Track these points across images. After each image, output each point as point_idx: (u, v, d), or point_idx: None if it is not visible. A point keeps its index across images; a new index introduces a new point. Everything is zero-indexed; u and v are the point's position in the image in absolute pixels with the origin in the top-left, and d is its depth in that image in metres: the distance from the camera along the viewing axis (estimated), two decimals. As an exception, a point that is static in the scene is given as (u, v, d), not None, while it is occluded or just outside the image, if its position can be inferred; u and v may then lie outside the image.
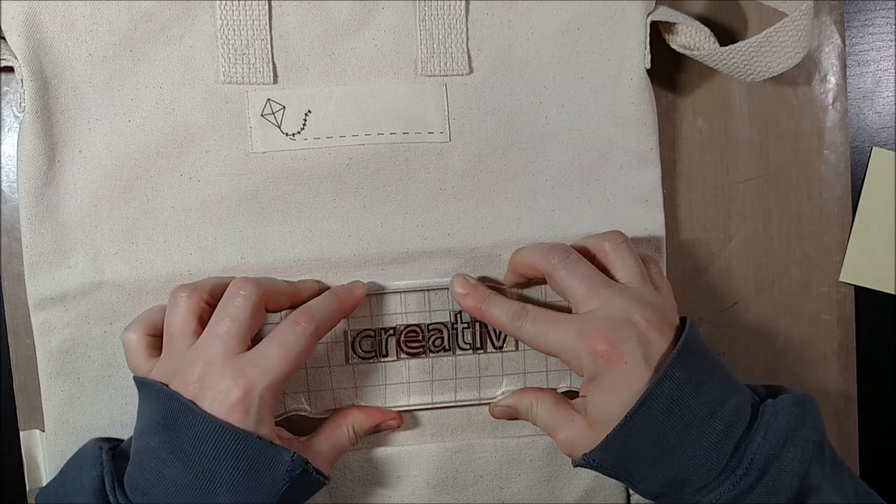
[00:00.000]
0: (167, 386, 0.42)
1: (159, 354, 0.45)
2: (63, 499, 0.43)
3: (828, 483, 0.43)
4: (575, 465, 0.45)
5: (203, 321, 0.44)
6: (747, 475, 0.41)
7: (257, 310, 0.44)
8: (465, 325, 0.51)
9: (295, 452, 0.42)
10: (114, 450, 0.44)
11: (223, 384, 0.41)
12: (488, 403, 0.51)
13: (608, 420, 0.43)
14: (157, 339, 0.45)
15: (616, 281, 0.45)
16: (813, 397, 0.44)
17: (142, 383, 0.43)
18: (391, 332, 0.51)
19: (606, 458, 0.43)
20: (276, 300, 0.46)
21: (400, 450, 0.51)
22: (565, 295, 0.45)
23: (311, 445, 0.47)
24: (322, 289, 0.49)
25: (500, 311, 0.46)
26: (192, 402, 0.41)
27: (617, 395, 0.42)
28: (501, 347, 0.51)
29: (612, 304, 0.44)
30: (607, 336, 0.43)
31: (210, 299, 0.45)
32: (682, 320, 0.45)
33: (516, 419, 0.50)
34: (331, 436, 0.48)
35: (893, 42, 0.54)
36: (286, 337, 0.43)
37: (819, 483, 0.42)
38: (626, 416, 0.42)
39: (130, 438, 0.44)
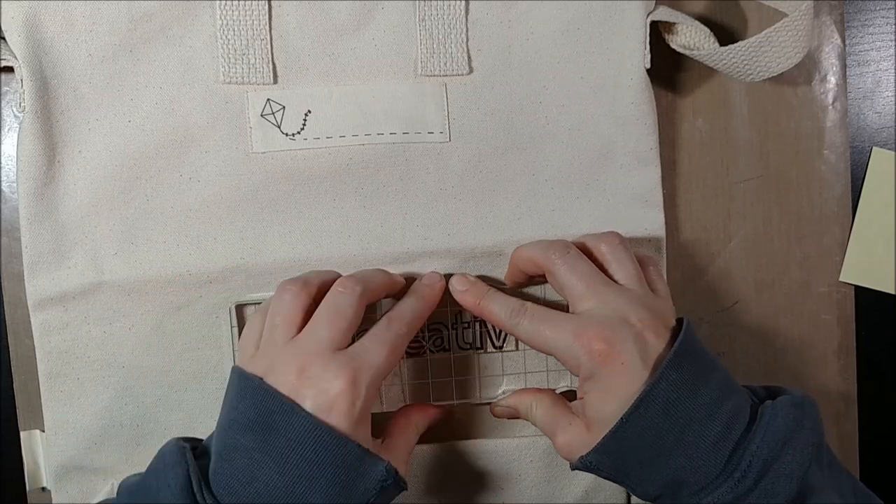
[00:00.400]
0: (263, 380, 0.41)
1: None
2: (147, 498, 0.41)
3: (827, 484, 0.42)
4: (572, 469, 0.44)
5: (308, 316, 0.43)
6: (746, 477, 0.40)
7: (361, 307, 0.44)
8: (465, 325, 0.51)
9: (388, 462, 0.41)
10: (195, 449, 0.43)
11: (327, 376, 0.40)
12: (488, 403, 0.51)
13: (605, 421, 0.42)
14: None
15: (614, 282, 0.45)
16: (812, 398, 0.44)
17: (240, 375, 0.42)
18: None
19: (603, 461, 0.43)
20: (376, 295, 0.46)
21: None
22: (563, 292, 0.45)
23: (389, 448, 0.45)
24: (411, 279, 0.49)
25: (498, 308, 0.46)
26: (291, 399, 0.40)
27: (614, 395, 0.42)
28: (501, 347, 0.51)
29: (610, 304, 0.43)
30: (605, 335, 0.42)
31: (318, 295, 0.44)
32: (680, 322, 0.45)
33: (517, 419, 0.50)
34: (402, 438, 0.47)
35: (893, 42, 0.54)
36: (385, 334, 0.43)
37: (818, 484, 0.42)
38: (621, 419, 0.41)
39: (211, 436, 0.43)
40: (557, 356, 0.44)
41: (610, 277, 0.45)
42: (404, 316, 0.45)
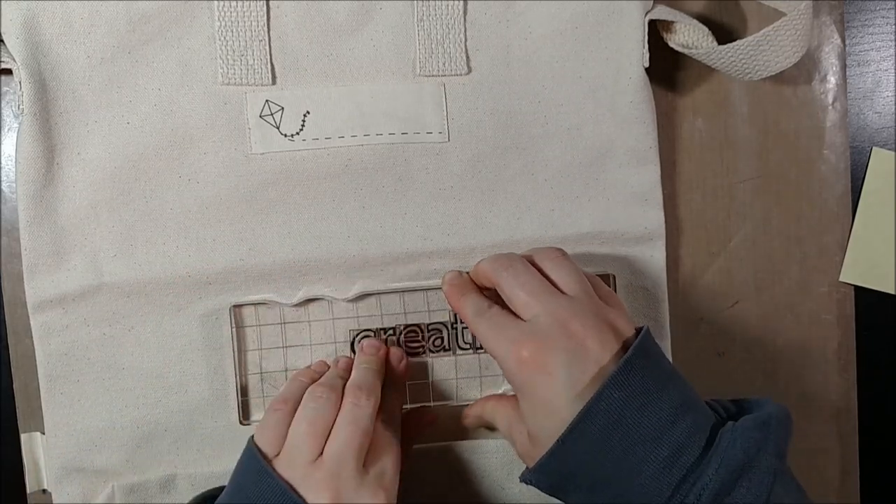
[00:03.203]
0: (297, 492, 0.41)
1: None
2: None
3: (791, 496, 0.39)
4: (520, 481, 0.43)
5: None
6: None
7: (374, 417, 0.44)
8: (465, 325, 0.51)
9: None
10: None
11: (363, 501, 0.41)
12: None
13: (543, 435, 0.41)
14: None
15: (562, 293, 0.43)
16: (783, 411, 0.41)
17: (280, 492, 0.41)
18: (391, 332, 0.51)
19: (542, 481, 0.41)
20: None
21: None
22: (511, 303, 0.44)
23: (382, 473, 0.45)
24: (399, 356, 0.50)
25: (468, 305, 0.45)
26: None
27: (544, 408, 0.40)
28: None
29: (553, 312, 0.42)
30: (535, 345, 0.41)
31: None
32: (638, 332, 0.42)
33: (487, 427, 0.50)
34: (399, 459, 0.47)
35: (893, 42, 0.54)
36: (392, 436, 0.45)
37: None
38: (558, 440, 0.39)
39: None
40: (498, 363, 0.43)
41: (558, 290, 0.44)
42: (396, 410, 0.47)
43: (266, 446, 0.43)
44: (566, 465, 0.40)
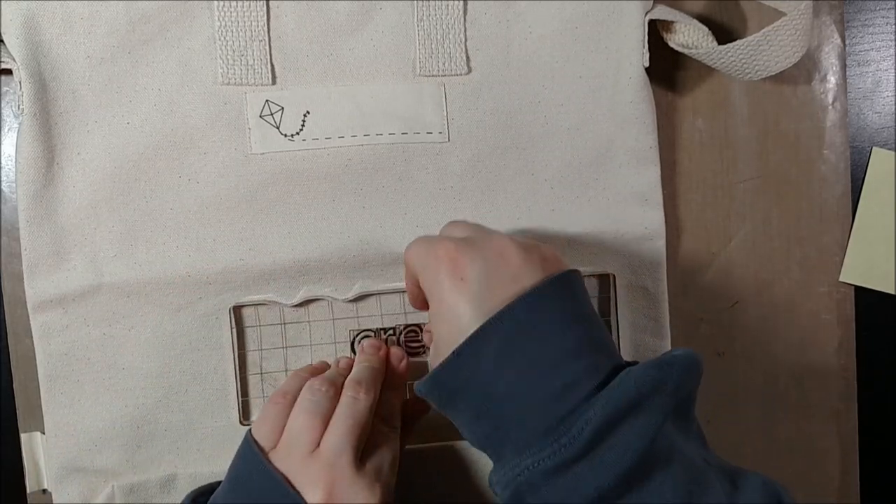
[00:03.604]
0: (291, 485, 0.41)
1: None
2: None
3: (688, 445, 0.38)
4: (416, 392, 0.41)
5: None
6: (572, 444, 0.35)
7: (372, 412, 0.44)
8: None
9: None
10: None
11: (355, 497, 0.41)
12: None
13: (444, 346, 0.39)
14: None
15: None
16: (688, 356, 0.39)
17: (265, 470, 0.41)
18: (391, 332, 0.51)
19: (432, 392, 0.39)
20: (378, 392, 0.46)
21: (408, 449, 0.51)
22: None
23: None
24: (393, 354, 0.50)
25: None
26: None
27: (449, 316, 0.39)
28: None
29: (482, 231, 0.42)
30: (457, 247, 0.39)
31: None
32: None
33: None
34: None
35: (893, 42, 0.54)
36: (389, 432, 0.45)
37: (673, 451, 0.37)
38: (454, 352, 0.37)
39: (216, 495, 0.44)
40: (419, 275, 0.41)
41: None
42: (395, 409, 0.47)
43: (263, 439, 0.43)
44: (457, 379, 0.38)
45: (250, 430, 0.44)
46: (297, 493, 0.40)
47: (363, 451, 0.43)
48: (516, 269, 0.39)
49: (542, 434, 0.36)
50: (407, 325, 0.51)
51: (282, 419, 0.43)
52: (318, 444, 0.42)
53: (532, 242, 0.41)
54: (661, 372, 0.37)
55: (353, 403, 0.43)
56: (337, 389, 0.44)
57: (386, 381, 0.48)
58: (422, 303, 0.44)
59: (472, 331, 0.37)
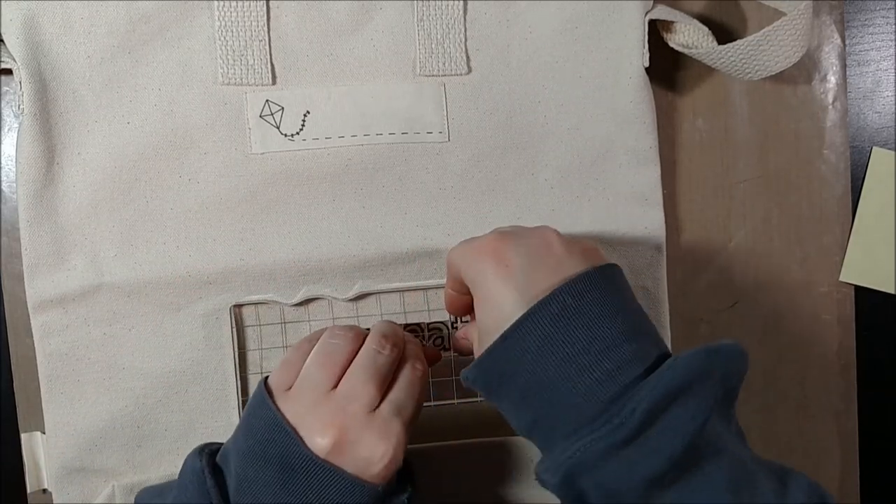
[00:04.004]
0: (296, 432, 0.39)
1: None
2: None
3: (731, 442, 0.38)
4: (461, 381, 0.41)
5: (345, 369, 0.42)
6: (622, 427, 0.35)
7: (394, 369, 0.42)
8: (465, 325, 0.51)
9: (408, 490, 0.41)
10: (213, 459, 0.42)
11: (366, 443, 0.39)
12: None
13: (489, 333, 0.39)
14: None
15: None
16: (734, 346, 0.38)
17: (273, 417, 0.40)
18: (391, 332, 0.51)
19: (479, 379, 0.39)
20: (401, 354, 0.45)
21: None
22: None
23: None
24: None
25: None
26: (320, 459, 0.39)
27: (493, 303, 0.39)
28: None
29: (523, 227, 0.42)
30: (500, 237, 0.40)
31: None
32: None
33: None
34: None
35: (893, 42, 0.54)
36: (413, 376, 0.43)
37: (721, 442, 0.37)
38: (501, 336, 0.37)
39: (227, 448, 0.42)
40: (459, 266, 0.41)
41: None
42: (419, 354, 0.44)
43: (276, 381, 0.42)
44: (505, 363, 0.38)
45: (268, 374, 0.43)
46: (296, 433, 0.39)
47: (380, 402, 0.41)
48: (560, 258, 0.39)
49: (592, 417, 0.36)
50: (407, 325, 0.51)
51: (299, 363, 0.42)
52: (335, 388, 0.41)
53: (576, 238, 0.41)
54: (709, 357, 0.37)
55: (376, 356, 0.42)
56: (359, 339, 0.43)
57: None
58: (458, 307, 0.45)
59: (516, 317, 0.37)
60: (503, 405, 0.40)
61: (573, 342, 0.37)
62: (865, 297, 0.55)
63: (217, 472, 0.41)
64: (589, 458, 0.36)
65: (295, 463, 0.39)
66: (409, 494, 0.41)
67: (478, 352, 0.41)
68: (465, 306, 0.45)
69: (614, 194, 0.51)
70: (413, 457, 0.49)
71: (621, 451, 0.35)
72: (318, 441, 0.39)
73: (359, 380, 0.41)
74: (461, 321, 0.51)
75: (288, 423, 0.40)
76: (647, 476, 0.35)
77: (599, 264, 0.40)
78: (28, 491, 0.50)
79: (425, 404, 0.50)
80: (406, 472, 0.44)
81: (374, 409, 0.40)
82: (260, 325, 0.50)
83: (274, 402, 0.41)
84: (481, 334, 0.40)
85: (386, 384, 0.42)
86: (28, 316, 0.48)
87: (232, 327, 0.49)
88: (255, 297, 0.49)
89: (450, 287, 0.45)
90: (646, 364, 0.37)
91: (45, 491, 0.50)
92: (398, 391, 0.42)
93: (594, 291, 0.38)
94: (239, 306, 0.50)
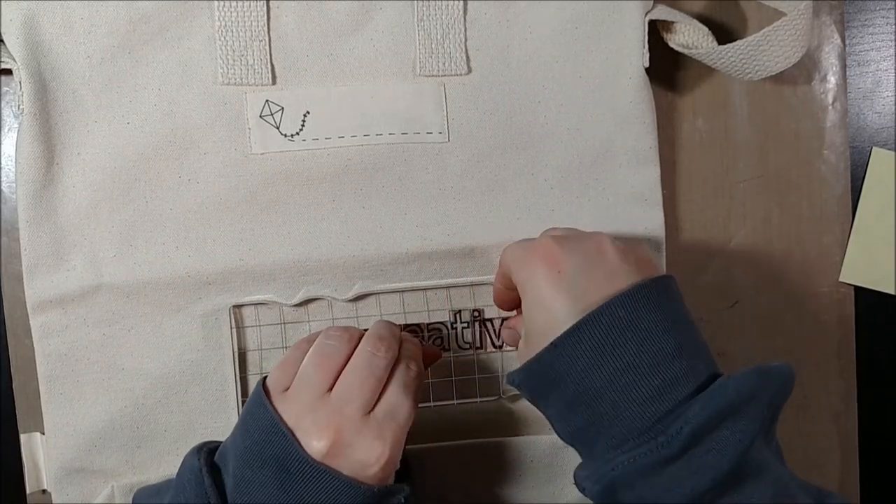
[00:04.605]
0: (292, 432, 0.40)
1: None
2: None
3: (773, 464, 0.38)
4: (507, 383, 0.41)
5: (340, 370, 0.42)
6: (670, 444, 0.35)
7: (389, 371, 0.42)
8: (465, 325, 0.51)
9: (405, 489, 0.41)
10: (211, 458, 0.42)
11: (361, 446, 0.39)
12: (493, 399, 0.51)
13: (536, 336, 0.39)
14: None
15: None
16: (785, 368, 0.39)
17: (271, 418, 0.40)
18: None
19: (525, 382, 0.40)
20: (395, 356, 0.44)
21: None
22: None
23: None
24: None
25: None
26: (315, 461, 0.39)
27: (544, 307, 0.39)
28: (501, 346, 0.51)
29: (578, 230, 0.42)
30: (556, 239, 0.40)
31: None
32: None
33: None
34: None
35: (893, 42, 0.54)
36: (407, 380, 0.42)
37: (763, 464, 0.37)
38: (552, 343, 0.38)
39: (226, 447, 0.42)
40: (511, 265, 0.42)
41: None
42: (416, 354, 0.44)
43: (274, 381, 0.42)
44: (554, 370, 0.38)
45: (266, 374, 0.43)
46: (293, 435, 0.39)
47: (376, 404, 0.41)
48: (613, 267, 0.39)
49: (639, 431, 0.36)
50: (407, 325, 0.51)
51: (297, 363, 0.42)
52: (331, 389, 0.41)
53: (629, 246, 0.41)
54: (760, 380, 0.37)
55: (371, 358, 0.42)
56: (355, 341, 0.43)
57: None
58: (506, 302, 0.46)
59: (568, 324, 0.38)
60: (549, 411, 0.40)
61: (624, 356, 0.37)
62: (865, 297, 0.55)
63: (215, 471, 0.41)
64: (632, 472, 0.36)
65: (291, 465, 0.39)
66: (406, 494, 0.41)
67: (522, 350, 0.41)
68: (512, 301, 0.45)
69: (614, 194, 0.51)
70: (412, 457, 0.49)
71: (665, 468, 0.36)
72: (315, 444, 0.39)
73: (354, 382, 0.41)
74: (461, 321, 0.51)
75: (285, 425, 0.40)
76: (689, 494, 0.36)
77: (654, 275, 0.39)
78: (27, 491, 0.50)
79: (424, 405, 0.51)
80: (404, 472, 0.44)
81: (370, 412, 0.41)
82: (259, 325, 0.50)
83: (272, 403, 0.41)
84: (529, 335, 0.40)
85: (381, 385, 0.41)
86: (27, 316, 0.48)
87: (231, 328, 0.49)
88: (254, 298, 0.49)
89: (499, 283, 0.46)
90: (697, 382, 0.37)
91: (44, 491, 0.50)
92: (393, 393, 0.41)
93: (648, 304, 0.38)
94: (238, 307, 0.50)
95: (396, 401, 0.41)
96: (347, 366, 0.42)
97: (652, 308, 0.38)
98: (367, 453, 0.39)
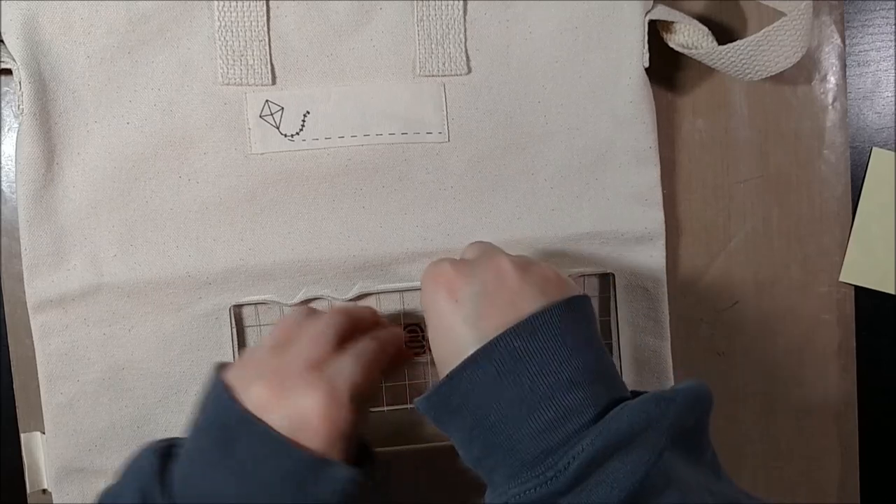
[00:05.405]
0: (227, 388, 0.39)
1: None
2: (111, 498, 0.41)
3: (695, 474, 0.37)
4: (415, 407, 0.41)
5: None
6: (557, 478, 0.35)
7: (341, 331, 0.42)
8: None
9: (352, 471, 0.39)
10: (172, 447, 0.42)
11: (300, 393, 0.39)
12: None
13: (442, 365, 0.39)
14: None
15: None
16: (695, 388, 0.38)
17: (213, 381, 0.41)
18: (390, 332, 0.51)
19: (428, 411, 0.39)
20: (359, 324, 0.45)
21: (397, 450, 0.51)
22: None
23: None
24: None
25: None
26: (252, 414, 0.38)
27: (445, 337, 0.39)
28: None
29: (489, 251, 0.42)
30: (454, 269, 0.39)
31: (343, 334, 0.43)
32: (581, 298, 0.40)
33: None
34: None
35: (893, 42, 0.54)
36: (361, 353, 0.42)
37: (675, 484, 0.35)
38: (447, 375, 0.37)
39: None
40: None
41: None
42: (378, 334, 0.44)
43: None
44: (451, 401, 0.37)
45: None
46: (231, 389, 0.39)
47: (334, 363, 0.41)
48: (514, 292, 0.38)
49: (529, 464, 0.36)
50: (407, 325, 0.51)
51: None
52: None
53: (533, 261, 0.41)
54: (657, 408, 0.36)
55: (324, 323, 0.42)
56: (314, 313, 0.44)
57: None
58: None
59: (467, 354, 0.37)
60: (452, 437, 0.39)
61: (518, 386, 0.36)
62: (865, 297, 0.55)
63: (167, 457, 0.41)
64: (526, 503, 0.35)
65: (229, 419, 0.38)
66: (352, 477, 0.39)
67: (435, 378, 0.41)
68: None
69: (614, 194, 0.51)
70: (409, 457, 0.49)
71: (556, 501, 0.35)
72: (253, 391, 0.39)
73: (303, 339, 0.41)
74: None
75: (224, 380, 0.40)
76: None
77: (558, 299, 0.38)
78: (28, 491, 0.50)
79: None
80: (366, 457, 0.43)
81: (317, 368, 0.40)
82: (260, 325, 0.50)
83: (221, 373, 0.41)
84: (436, 363, 0.40)
85: (331, 348, 0.41)
86: (28, 316, 0.48)
87: (232, 327, 0.49)
88: (254, 298, 0.49)
89: None
90: (593, 412, 0.36)
91: (44, 491, 0.50)
92: (344, 358, 0.41)
93: (546, 332, 0.37)
94: (239, 306, 0.50)
95: (345, 363, 0.41)
96: (300, 329, 0.42)
97: (550, 336, 0.37)
98: (304, 401, 0.38)
